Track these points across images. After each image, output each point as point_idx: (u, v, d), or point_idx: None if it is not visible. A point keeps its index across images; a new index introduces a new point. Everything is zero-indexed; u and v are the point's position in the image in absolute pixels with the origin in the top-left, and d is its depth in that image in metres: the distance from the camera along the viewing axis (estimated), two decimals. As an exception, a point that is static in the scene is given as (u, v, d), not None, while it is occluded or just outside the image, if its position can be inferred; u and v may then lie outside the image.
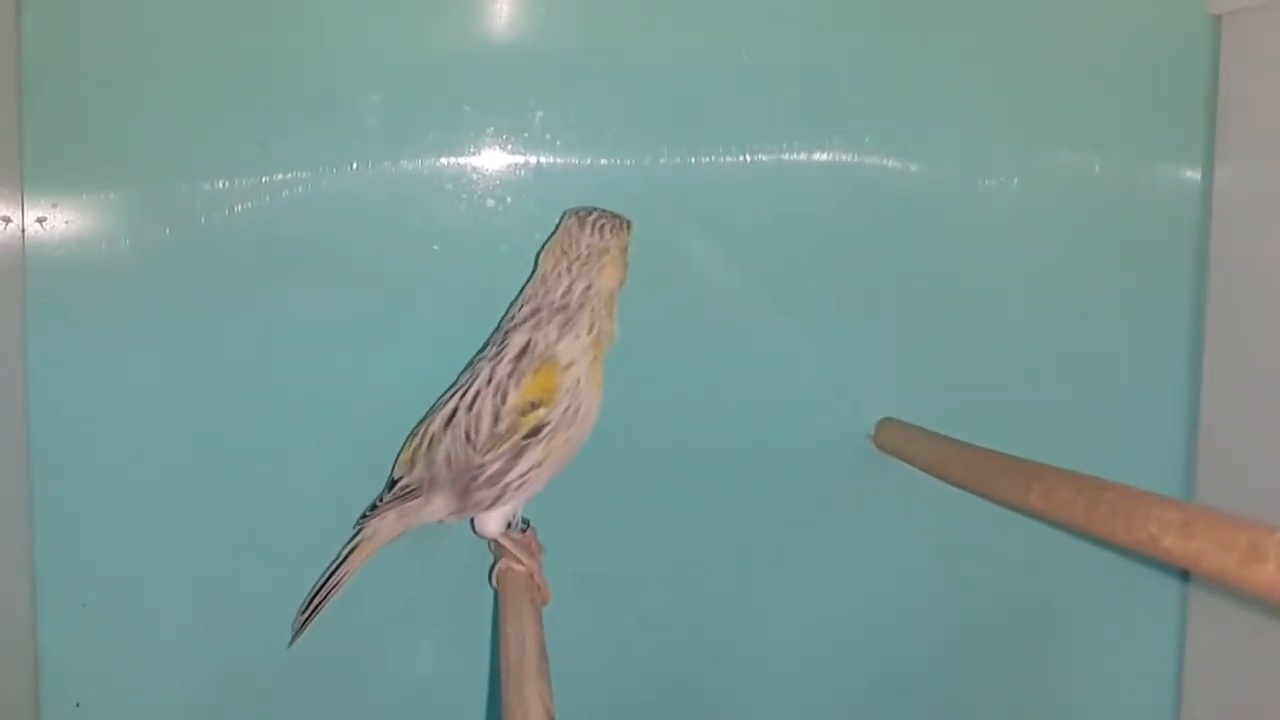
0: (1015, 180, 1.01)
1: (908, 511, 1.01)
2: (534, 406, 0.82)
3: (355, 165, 0.92)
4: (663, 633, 1.00)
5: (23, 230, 0.88)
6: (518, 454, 0.83)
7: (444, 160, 0.93)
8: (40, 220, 0.88)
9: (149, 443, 0.91)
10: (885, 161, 0.99)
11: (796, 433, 1.00)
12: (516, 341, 0.83)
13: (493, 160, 0.94)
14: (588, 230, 0.83)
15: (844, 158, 0.98)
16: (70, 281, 0.89)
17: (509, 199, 0.94)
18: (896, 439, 0.97)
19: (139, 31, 0.89)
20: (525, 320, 0.84)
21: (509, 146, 0.94)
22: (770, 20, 0.97)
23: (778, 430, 1.00)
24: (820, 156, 0.98)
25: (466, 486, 0.84)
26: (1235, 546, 0.59)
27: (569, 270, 0.83)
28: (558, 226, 0.85)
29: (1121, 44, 1.01)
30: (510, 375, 0.83)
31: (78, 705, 0.92)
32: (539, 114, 0.94)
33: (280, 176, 0.91)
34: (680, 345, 0.98)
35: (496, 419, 0.83)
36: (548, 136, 0.94)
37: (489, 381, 0.83)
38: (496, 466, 0.83)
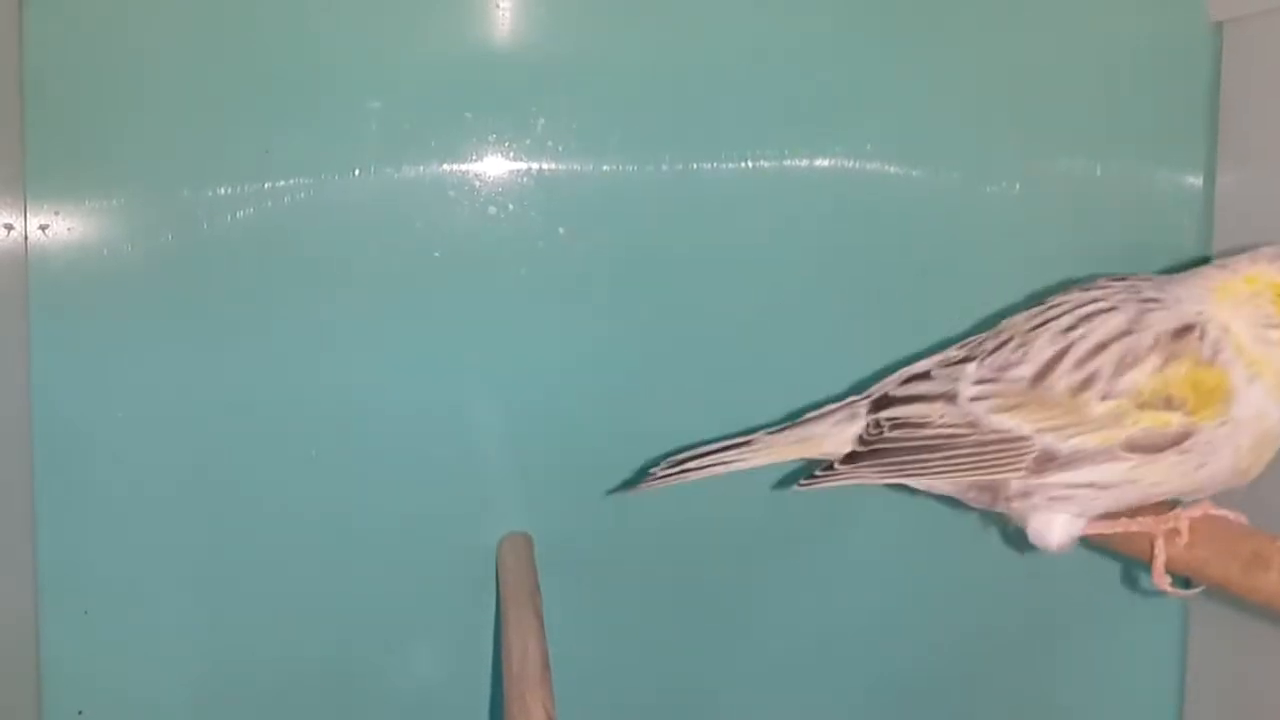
0: (1017, 186, 1.01)
1: (908, 516, 1.01)
2: (1168, 404, 0.62)
3: (357, 172, 0.92)
4: (663, 639, 1.00)
5: (25, 237, 0.88)
6: (1093, 459, 0.64)
7: (446, 167, 0.93)
8: (43, 227, 0.88)
9: (151, 449, 0.91)
10: (887, 167, 0.99)
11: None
12: (1165, 316, 0.63)
13: (494, 167, 0.94)
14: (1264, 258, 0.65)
15: (846, 164, 0.98)
16: (73, 289, 0.89)
17: (511, 206, 0.94)
18: (899, 445, 0.97)
19: (140, 39, 0.89)
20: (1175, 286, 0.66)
21: (511, 153, 0.94)
22: (771, 26, 0.97)
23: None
24: (822, 163, 0.98)
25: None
26: (1238, 555, 0.60)
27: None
28: None
29: (1124, 50, 1.01)
30: (1153, 347, 0.63)
31: (80, 713, 0.92)
32: (540, 121, 0.94)
33: (282, 183, 0.91)
34: (680, 350, 0.98)
35: (1093, 387, 0.63)
36: (549, 143, 0.94)
37: (1115, 340, 0.63)
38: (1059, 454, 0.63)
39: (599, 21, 0.96)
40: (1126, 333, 0.63)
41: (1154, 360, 0.62)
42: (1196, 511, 0.64)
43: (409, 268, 0.94)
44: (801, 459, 0.79)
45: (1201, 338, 0.62)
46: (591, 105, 0.95)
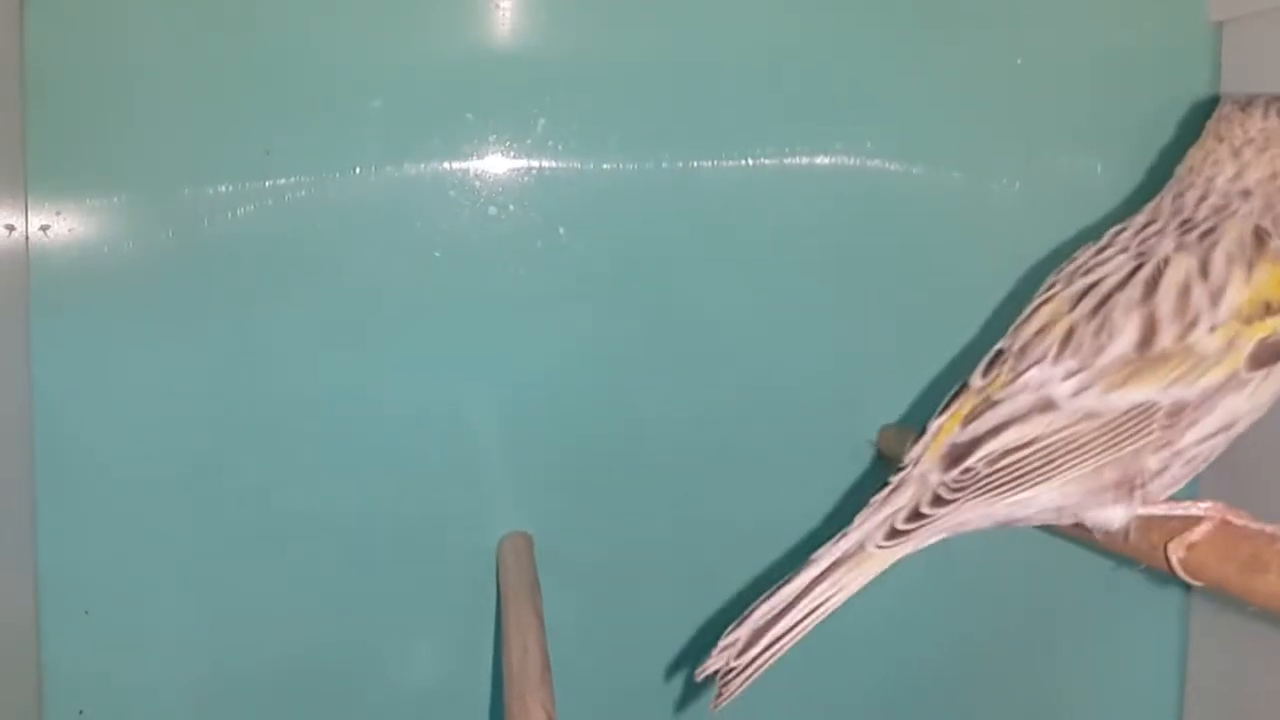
0: (1018, 185, 1.01)
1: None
2: (1268, 310, 0.61)
3: (357, 172, 0.92)
4: (666, 640, 1.00)
5: (26, 238, 0.88)
6: (1219, 391, 0.61)
7: (446, 167, 0.94)
8: (44, 228, 0.88)
9: (152, 450, 0.91)
10: (887, 166, 0.99)
11: (798, 438, 1.00)
12: (1217, 230, 0.64)
13: (495, 167, 0.94)
14: (1257, 114, 0.68)
15: (847, 162, 0.99)
16: (74, 289, 0.89)
17: (511, 206, 0.94)
18: (898, 446, 0.97)
19: (141, 41, 0.89)
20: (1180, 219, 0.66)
21: (511, 154, 0.94)
22: (771, 25, 0.97)
23: (779, 435, 1.00)
24: (823, 161, 0.98)
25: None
26: (1236, 556, 0.59)
27: (1236, 156, 0.67)
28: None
29: (1124, 50, 1.01)
30: (1231, 263, 0.62)
31: (81, 713, 0.92)
32: (541, 121, 0.94)
33: (283, 184, 0.91)
34: (680, 350, 0.98)
35: (1199, 326, 0.61)
36: (549, 143, 0.94)
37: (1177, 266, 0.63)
38: (1189, 402, 0.61)
39: (599, 22, 0.96)
40: (1204, 262, 0.63)
41: (1239, 274, 0.62)
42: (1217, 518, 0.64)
43: (409, 268, 0.94)
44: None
45: (1263, 236, 0.63)
46: (591, 105, 0.95)
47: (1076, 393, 0.62)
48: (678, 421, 0.98)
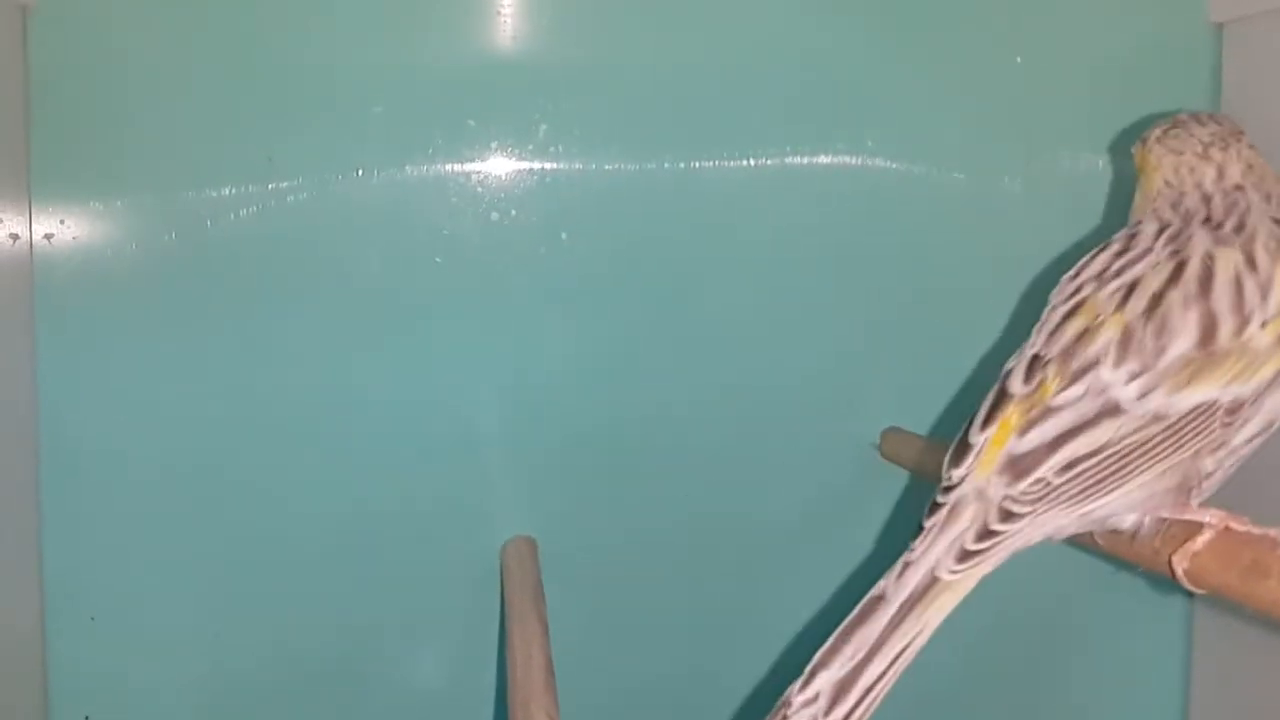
0: (1020, 185, 1.01)
1: (911, 522, 1.00)
2: None
3: (360, 178, 0.92)
4: (667, 645, 1.00)
5: (30, 246, 0.88)
6: (1269, 388, 0.62)
7: (448, 173, 0.94)
8: (48, 236, 0.89)
9: (156, 455, 0.92)
10: (888, 165, 0.99)
11: (800, 441, 1.00)
12: (1250, 226, 0.65)
13: (497, 172, 0.94)
14: (1194, 124, 0.71)
15: (847, 161, 0.99)
16: (78, 297, 0.90)
17: (513, 211, 0.94)
18: (901, 448, 0.97)
19: (144, 49, 0.90)
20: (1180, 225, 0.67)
21: (513, 158, 0.94)
22: (771, 25, 0.97)
23: (781, 438, 1.00)
24: (823, 160, 0.98)
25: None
26: (1238, 563, 0.60)
27: (1208, 159, 0.69)
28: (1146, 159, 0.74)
29: (1125, 51, 1.01)
30: (1275, 259, 0.64)
31: (86, 718, 0.92)
32: (543, 127, 0.94)
33: (285, 190, 0.92)
34: (684, 353, 0.98)
35: (1252, 322, 0.62)
36: (551, 148, 0.95)
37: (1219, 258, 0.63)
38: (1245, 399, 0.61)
39: (599, 26, 0.96)
40: (1249, 255, 0.64)
41: (1278, 269, 0.63)
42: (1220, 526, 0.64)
43: (411, 273, 0.94)
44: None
45: None
46: (592, 109, 0.96)
47: (1142, 395, 0.61)
48: (681, 424, 0.98)
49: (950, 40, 1.00)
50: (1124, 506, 0.63)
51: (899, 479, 0.98)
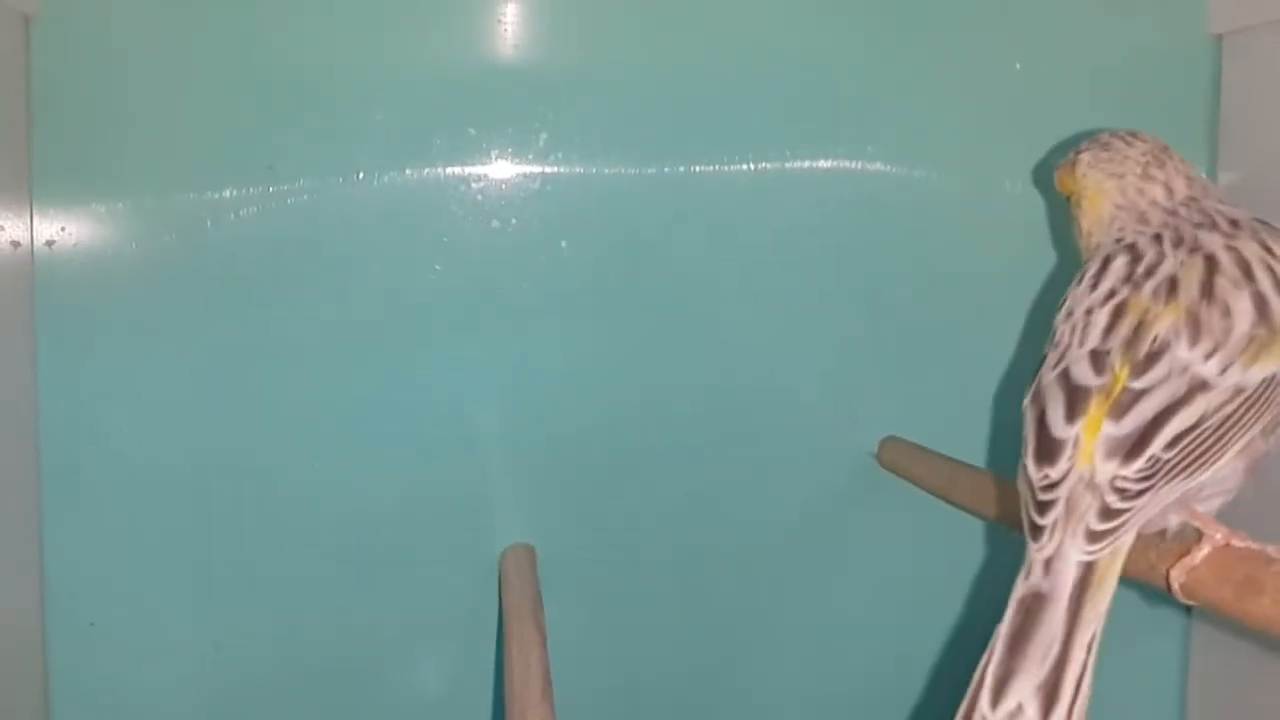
0: (1019, 197, 1.01)
1: (909, 531, 1.01)
2: None
3: (360, 185, 0.93)
4: (667, 653, 1.01)
5: (32, 254, 0.88)
6: None
7: (448, 181, 0.94)
8: (49, 243, 0.89)
9: (157, 462, 0.92)
10: (888, 170, 0.99)
11: (798, 449, 1.00)
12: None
13: (497, 180, 0.94)
14: (1121, 144, 0.75)
15: (848, 166, 0.99)
16: (79, 304, 0.90)
17: (514, 219, 0.95)
18: (900, 458, 0.97)
19: (145, 56, 0.90)
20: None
21: (513, 166, 0.95)
22: (771, 29, 0.98)
23: (779, 446, 1.00)
24: (824, 165, 0.99)
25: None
26: (1232, 579, 0.60)
27: (1150, 178, 0.73)
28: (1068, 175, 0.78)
29: (1125, 63, 1.01)
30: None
31: (86, 724, 0.93)
32: (543, 135, 0.94)
33: (287, 196, 0.92)
34: (684, 360, 0.98)
35: None
36: (552, 157, 0.95)
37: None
38: None
39: (599, 34, 0.96)
40: (1263, 244, 0.66)
41: None
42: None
43: (412, 281, 0.94)
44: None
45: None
46: (593, 117, 0.96)
47: (1222, 370, 0.62)
48: (680, 431, 0.98)
49: (950, 46, 1.00)
50: (1221, 476, 0.63)
51: (896, 488, 0.98)
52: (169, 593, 0.93)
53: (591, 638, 0.97)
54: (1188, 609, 1.03)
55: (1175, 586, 0.64)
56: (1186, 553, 0.63)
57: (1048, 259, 1.02)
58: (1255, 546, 0.62)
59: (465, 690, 0.97)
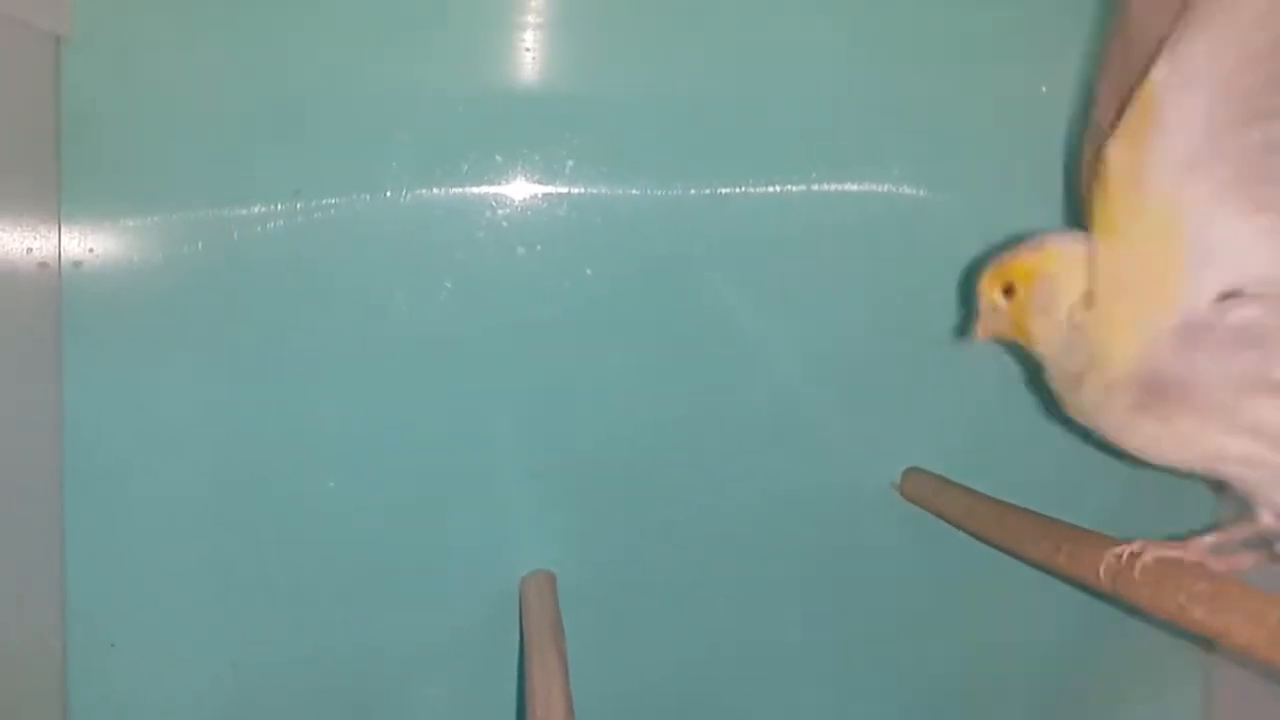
0: (1049, 223, 1.00)
1: (930, 564, 1.01)
2: None
3: (386, 208, 0.93)
4: (687, 680, 1.00)
5: (59, 275, 0.89)
6: None
7: (474, 206, 0.94)
8: (77, 264, 0.89)
9: (179, 486, 0.92)
10: (916, 193, 0.99)
11: (820, 479, 1.00)
12: None
13: (522, 206, 0.94)
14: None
15: (873, 189, 0.99)
16: (105, 325, 0.90)
17: (539, 246, 0.95)
18: (922, 490, 0.97)
19: (174, 80, 0.90)
20: None
21: (539, 194, 0.94)
22: (796, 52, 0.98)
23: (801, 475, 1.00)
24: (850, 187, 0.98)
25: None
26: (1265, 622, 0.59)
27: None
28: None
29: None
30: None
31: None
32: (569, 163, 0.94)
33: (313, 219, 0.92)
34: (707, 386, 0.98)
35: None
36: (578, 184, 0.95)
37: None
38: None
39: (624, 61, 0.96)
40: None
41: None
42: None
43: (435, 304, 0.94)
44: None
45: None
46: (619, 143, 0.96)
47: None
48: (702, 460, 0.98)
49: (978, 68, 1.00)
50: None
51: (918, 520, 0.97)
52: (187, 610, 0.93)
53: (612, 665, 0.97)
54: (1210, 646, 1.03)
55: (1102, 569, 0.66)
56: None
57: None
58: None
59: (486, 716, 0.97)
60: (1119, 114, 0.65)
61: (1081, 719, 1.06)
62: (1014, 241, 0.78)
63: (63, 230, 0.89)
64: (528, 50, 0.94)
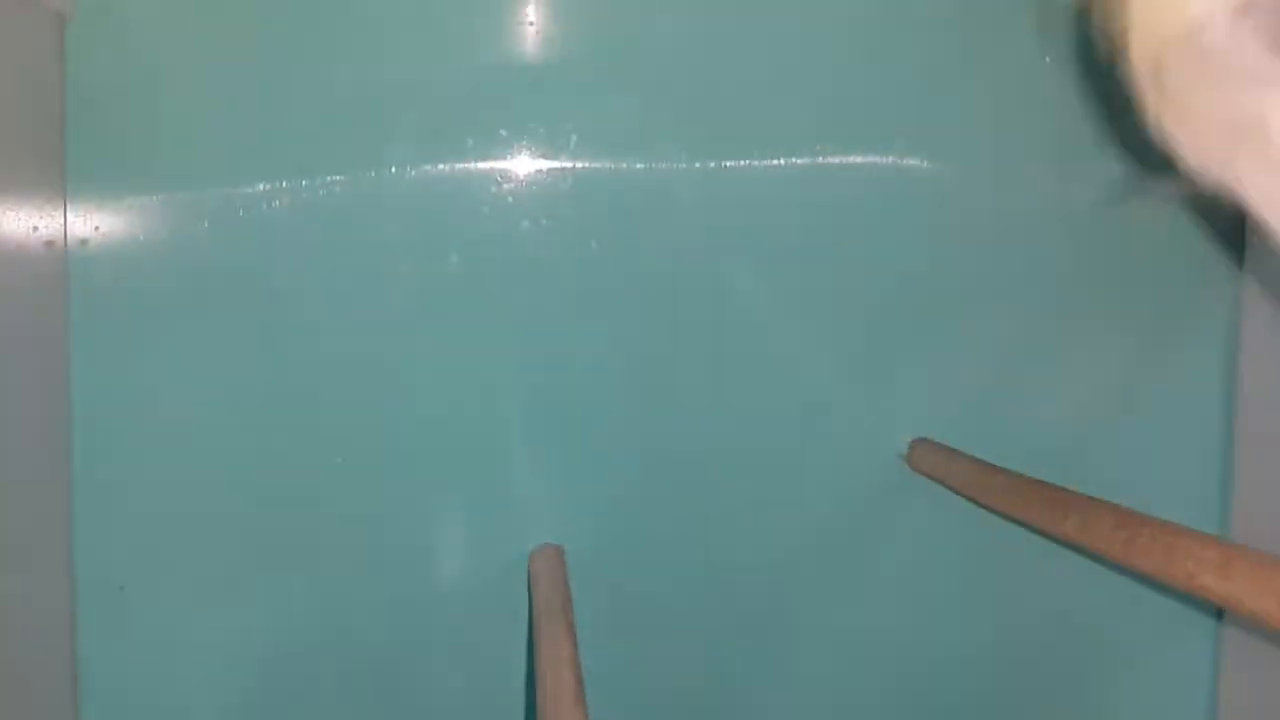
0: (1055, 194, 1.00)
1: (939, 534, 1.01)
2: None
3: (392, 184, 0.92)
4: (696, 654, 1.01)
5: (65, 253, 0.89)
6: None
7: (480, 182, 0.94)
8: (83, 242, 0.89)
9: (184, 462, 0.92)
10: (921, 164, 0.99)
11: (827, 450, 1.00)
12: None
13: (528, 181, 0.94)
14: None
15: (879, 161, 0.98)
16: (112, 303, 0.90)
17: (544, 220, 0.94)
18: (929, 460, 0.97)
19: (178, 58, 0.90)
20: None
21: (544, 169, 0.94)
22: (802, 25, 0.97)
23: (808, 447, 1.00)
24: (855, 160, 0.98)
25: None
26: (1273, 588, 0.59)
27: None
28: None
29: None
30: None
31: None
32: (573, 136, 0.94)
33: (319, 196, 0.92)
34: (713, 358, 0.98)
35: None
36: (582, 159, 0.94)
37: None
38: None
39: (628, 37, 0.96)
40: None
41: None
42: None
43: (442, 279, 0.94)
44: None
45: None
46: (623, 117, 0.95)
47: None
48: (710, 432, 0.98)
49: (982, 41, 0.99)
50: None
51: (926, 490, 0.97)
52: (196, 594, 0.93)
53: (621, 638, 0.97)
54: (1220, 614, 1.03)
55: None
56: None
57: (1082, 259, 1.01)
58: None
59: (495, 690, 0.97)
60: None
61: (1091, 688, 1.06)
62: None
63: (68, 208, 0.89)
64: (530, 24, 0.94)
